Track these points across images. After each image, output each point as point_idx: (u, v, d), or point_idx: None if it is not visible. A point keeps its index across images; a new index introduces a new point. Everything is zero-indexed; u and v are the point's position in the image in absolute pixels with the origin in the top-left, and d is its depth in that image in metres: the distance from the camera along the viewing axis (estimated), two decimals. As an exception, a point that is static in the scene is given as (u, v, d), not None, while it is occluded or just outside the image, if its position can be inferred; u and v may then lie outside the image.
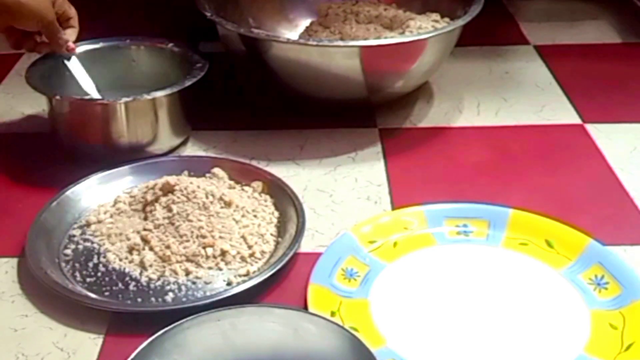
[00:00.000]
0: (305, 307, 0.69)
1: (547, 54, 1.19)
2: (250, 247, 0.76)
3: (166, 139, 0.92)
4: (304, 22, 1.15)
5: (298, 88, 0.97)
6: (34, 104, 1.01)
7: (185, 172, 0.86)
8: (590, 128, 0.99)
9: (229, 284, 0.73)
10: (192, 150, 0.95)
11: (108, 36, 1.01)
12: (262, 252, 0.77)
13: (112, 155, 0.89)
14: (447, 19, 1.05)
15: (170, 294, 0.72)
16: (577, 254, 0.75)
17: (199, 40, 1.13)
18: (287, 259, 0.74)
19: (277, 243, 0.78)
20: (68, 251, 0.77)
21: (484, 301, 0.71)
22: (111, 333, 0.69)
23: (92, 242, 0.78)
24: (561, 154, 0.95)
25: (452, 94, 1.08)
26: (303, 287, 0.71)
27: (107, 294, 0.72)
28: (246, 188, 0.85)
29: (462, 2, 1.02)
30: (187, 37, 1.06)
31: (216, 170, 0.86)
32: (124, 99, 0.87)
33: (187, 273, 0.73)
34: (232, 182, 0.85)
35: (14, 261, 0.77)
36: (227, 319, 0.60)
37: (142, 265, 0.74)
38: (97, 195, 0.84)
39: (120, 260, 0.75)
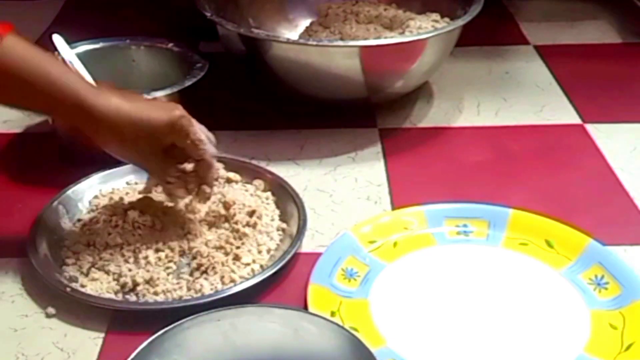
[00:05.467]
0: (305, 307, 0.69)
1: (547, 54, 1.19)
2: (259, 245, 0.77)
3: (166, 139, 0.92)
4: (304, 22, 1.15)
5: (298, 88, 0.97)
6: (34, 104, 1.01)
7: None
8: (590, 128, 0.99)
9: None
10: (192, 150, 0.95)
11: (108, 36, 1.01)
12: (268, 251, 0.77)
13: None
14: (447, 19, 1.05)
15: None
16: (577, 254, 0.75)
17: (199, 40, 1.13)
18: (288, 257, 0.74)
19: (280, 242, 0.78)
20: (69, 252, 0.77)
21: (484, 301, 0.71)
22: (111, 332, 0.69)
23: (93, 243, 0.78)
24: (561, 154, 0.95)
25: (452, 94, 1.08)
26: (303, 287, 0.71)
27: (107, 292, 0.72)
28: (248, 186, 0.85)
29: (462, 2, 1.02)
30: (187, 37, 1.06)
31: (217, 168, 0.87)
32: (124, 99, 0.87)
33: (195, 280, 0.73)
34: (233, 181, 0.86)
35: (14, 261, 0.77)
36: (227, 319, 0.60)
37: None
38: (98, 194, 0.84)
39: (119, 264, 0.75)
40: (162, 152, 0.75)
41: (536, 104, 1.05)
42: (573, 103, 1.05)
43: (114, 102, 0.72)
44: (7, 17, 1.33)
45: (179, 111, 0.74)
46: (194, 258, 0.74)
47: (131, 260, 0.75)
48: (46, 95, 0.70)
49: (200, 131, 0.75)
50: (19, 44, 0.70)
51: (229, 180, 0.86)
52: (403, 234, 0.79)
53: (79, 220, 0.81)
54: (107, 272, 0.73)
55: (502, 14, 1.33)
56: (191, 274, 0.74)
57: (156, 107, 0.75)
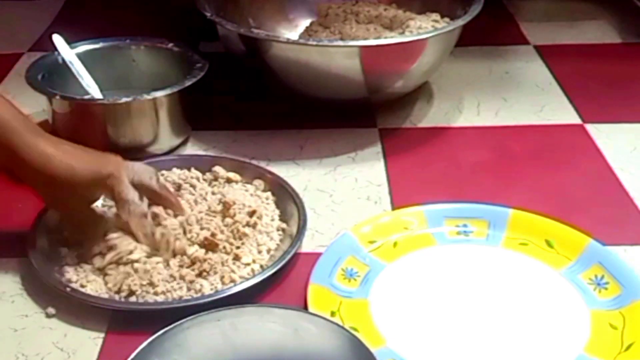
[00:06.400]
0: (305, 307, 0.69)
1: (547, 54, 1.19)
2: (259, 245, 0.77)
3: (166, 139, 0.92)
4: (304, 22, 1.15)
5: (298, 88, 0.97)
6: (34, 104, 1.00)
7: (193, 169, 0.87)
8: (590, 128, 0.99)
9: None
10: (192, 150, 0.95)
11: (108, 36, 1.01)
12: (268, 251, 0.77)
13: (112, 155, 0.89)
14: (447, 19, 1.05)
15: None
16: (577, 254, 0.75)
17: (199, 40, 1.13)
18: (288, 257, 0.74)
19: (280, 242, 0.78)
20: (69, 251, 0.77)
21: (484, 301, 0.71)
22: (111, 332, 0.69)
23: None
24: (561, 154, 0.95)
25: (452, 94, 1.08)
26: (303, 287, 0.71)
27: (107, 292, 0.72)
28: (248, 186, 0.85)
29: (462, 2, 1.02)
30: (187, 37, 1.06)
31: (217, 168, 0.86)
32: (124, 99, 0.88)
33: (191, 281, 0.73)
34: (233, 181, 0.86)
35: (14, 261, 0.77)
36: (227, 319, 0.60)
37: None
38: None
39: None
40: (89, 206, 0.75)
41: (536, 104, 1.05)
42: (573, 103, 1.05)
43: (47, 151, 0.71)
44: (7, 17, 1.34)
45: (111, 167, 0.73)
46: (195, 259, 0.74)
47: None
48: None
49: (132, 189, 0.73)
50: None
51: (229, 180, 0.86)
52: (403, 234, 0.79)
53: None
54: (106, 282, 0.73)
55: (502, 14, 1.33)
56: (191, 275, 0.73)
57: (88, 161, 0.73)
